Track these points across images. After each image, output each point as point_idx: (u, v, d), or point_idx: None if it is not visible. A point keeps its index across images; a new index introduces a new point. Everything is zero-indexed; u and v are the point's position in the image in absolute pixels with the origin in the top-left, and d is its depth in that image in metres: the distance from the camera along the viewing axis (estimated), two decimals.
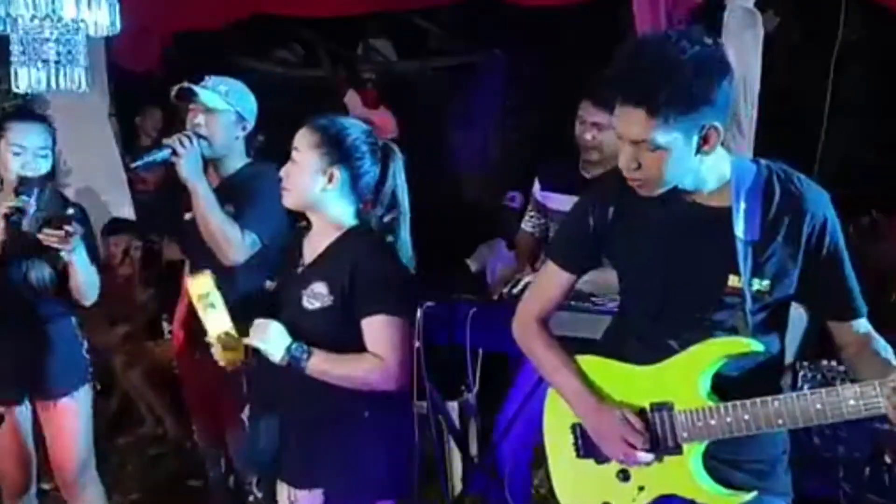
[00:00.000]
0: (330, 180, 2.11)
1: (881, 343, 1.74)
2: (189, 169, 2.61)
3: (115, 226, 4.97)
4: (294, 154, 2.13)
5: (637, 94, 1.61)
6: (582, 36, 5.17)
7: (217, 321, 2.11)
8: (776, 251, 1.69)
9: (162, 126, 5.60)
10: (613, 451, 1.79)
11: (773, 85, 3.19)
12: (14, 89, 2.73)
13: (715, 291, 1.71)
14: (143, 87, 5.51)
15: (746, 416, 1.66)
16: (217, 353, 2.13)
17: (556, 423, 1.93)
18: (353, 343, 2.06)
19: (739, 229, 1.68)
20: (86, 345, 2.83)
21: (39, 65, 2.60)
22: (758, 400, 1.65)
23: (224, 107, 2.71)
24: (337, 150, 2.11)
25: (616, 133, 1.69)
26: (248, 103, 2.79)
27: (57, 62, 2.63)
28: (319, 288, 2.07)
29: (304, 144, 2.12)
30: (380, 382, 2.06)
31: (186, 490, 3.87)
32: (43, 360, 2.73)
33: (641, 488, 1.80)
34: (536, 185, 3.28)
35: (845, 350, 1.80)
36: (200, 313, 2.12)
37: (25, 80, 2.62)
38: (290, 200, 2.16)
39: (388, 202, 2.17)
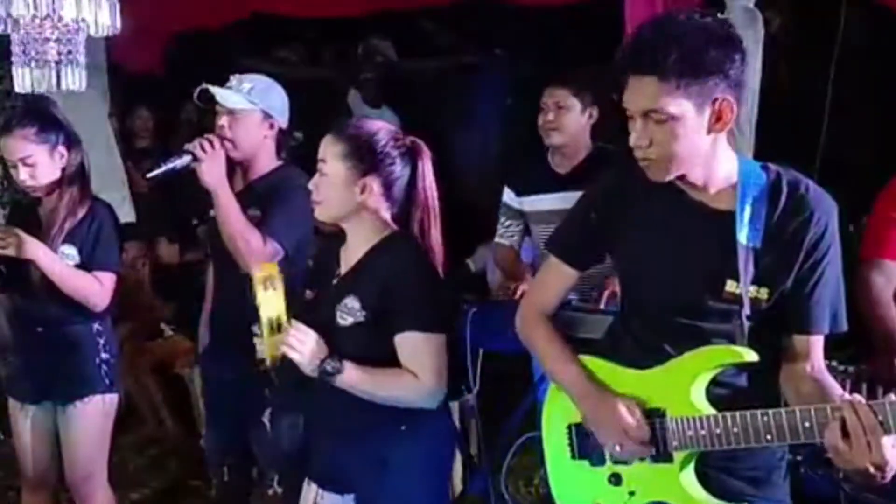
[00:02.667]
0: (363, 191, 2.03)
1: (832, 382, 1.71)
2: (210, 174, 2.54)
3: (126, 232, 4.97)
4: (321, 166, 2.05)
5: (647, 61, 1.58)
6: (582, 36, 5.16)
7: (273, 304, 1.99)
8: (776, 258, 1.66)
9: (152, 126, 5.61)
10: (608, 439, 1.76)
11: (773, 85, 3.18)
12: (15, 90, 2.72)
13: (713, 296, 1.68)
14: (144, 88, 5.51)
15: (736, 429, 1.62)
16: (263, 343, 2.00)
17: (554, 422, 1.92)
18: (387, 358, 2.00)
19: (742, 234, 1.65)
20: (105, 354, 2.79)
21: (40, 65, 2.60)
22: (748, 413, 1.61)
23: (246, 106, 2.63)
24: (368, 160, 2.03)
25: (628, 112, 1.65)
26: (276, 101, 2.71)
27: (57, 62, 2.62)
28: (352, 302, 2.01)
29: (332, 155, 2.04)
30: (416, 401, 2.01)
31: (187, 490, 3.87)
32: (54, 363, 2.74)
33: (632, 493, 1.78)
34: (508, 194, 3.28)
35: (790, 371, 1.73)
36: (258, 294, 1.99)
37: (26, 80, 2.62)
38: (322, 214, 2.09)
39: (421, 202, 2.10)
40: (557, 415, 1.91)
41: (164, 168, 2.58)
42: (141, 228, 4.96)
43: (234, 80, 2.68)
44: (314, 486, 2.16)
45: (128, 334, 4.70)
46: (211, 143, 2.56)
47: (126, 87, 5.35)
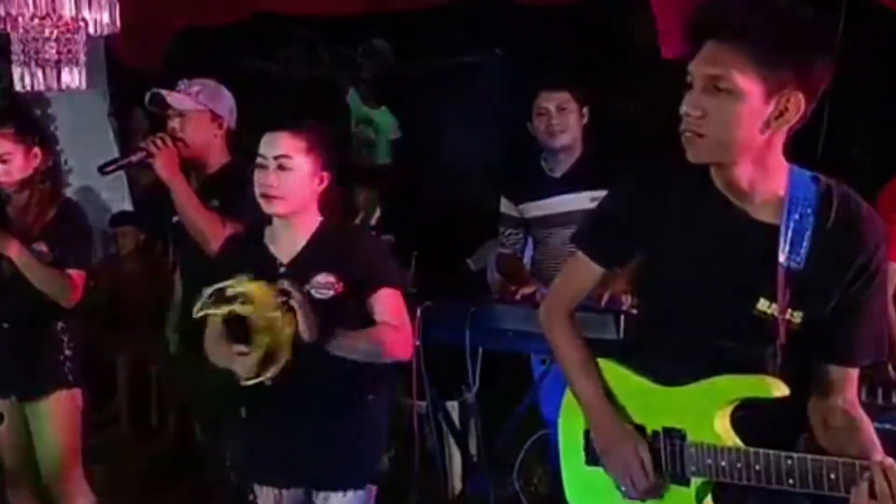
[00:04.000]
0: (320, 182, 2.19)
1: (865, 419, 1.60)
2: (165, 168, 2.69)
3: (121, 217, 5.02)
4: (284, 161, 2.14)
5: (728, 27, 1.45)
6: (582, 36, 5.16)
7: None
8: (818, 282, 1.53)
9: (148, 125, 5.61)
10: (614, 475, 1.72)
11: None
12: (15, 88, 2.74)
13: (741, 313, 1.57)
14: (142, 87, 5.50)
15: (758, 467, 1.53)
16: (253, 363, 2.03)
17: (571, 424, 1.85)
18: (361, 323, 2.17)
19: (783, 253, 1.52)
20: (68, 351, 2.81)
21: (39, 64, 2.60)
22: (771, 452, 1.52)
23: (195, 108, 2.78)
24: (326, 153, 2.20)
25: (689, 78, 1.50)
26: (223, 102, 2.86)
27: (57, 61, 2.63)
28: (326, 278, 2.14)
29: (296, 150, 2.15)
30: (399, 350, 2.20)
31: (186, 488, 3.87)
32: (19, 360, 2.77)
33: None
34: (506, 204, 3.29)
35: (822, 404, 1.62)
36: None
37: (25, 79, 2.63)
38: (283, 208, 2.17)
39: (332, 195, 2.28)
40: (574, 418, 1.83)
41: (119, 163, 2.84)
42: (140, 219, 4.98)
43: (182, 84, 2.82)
44: (272, 490, 2.23)
45: (132, 331, 4.72)
46: (163, 139, 2.73)
47: (125, 86, 5.35)
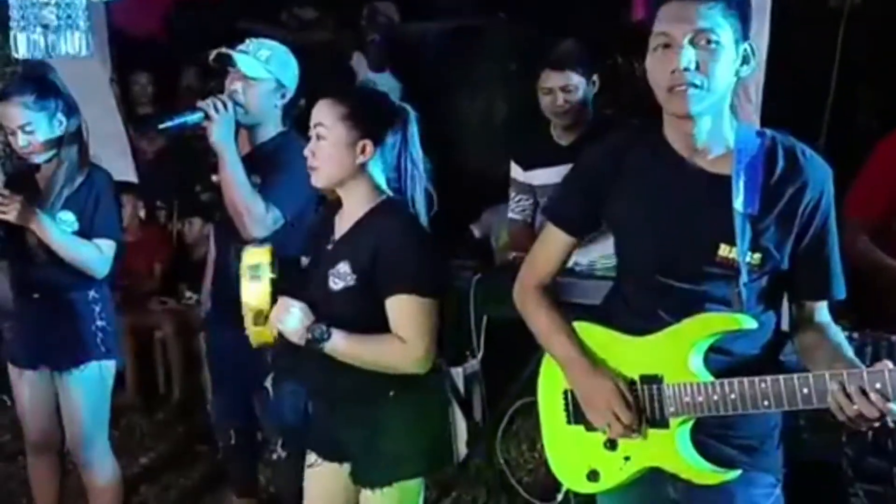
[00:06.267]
0: (363, 152, 2.03)
1: (842, 336, 1.74)
2: (220, 134, 2.53)
3: (122, 186, 5.00)
4: (320, 130, 2.03)
5: None
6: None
7: (255, 295, 2.00)
8: (773, 224, 1.66)
9: (152, 91, 5.56)
10: (598, 420, 1.77)
11: (780, 52, 3.15)
12: (13, 55, 2.70)
13: (707, 260, 1.68)
14: (145, 53, 5.46)
15: (733, 395, 1.63)
16: (248, 328, 2.03)
17: (550, 388, 1.91)
18: (379, 325, 2.00)
19: (738, 201, 1.65)
20: (100, 322, 2.78)
21: (39, 30, 2.57)
22: (745, 379, 1.62)
23: (263, 75, 2.61)
24: (367, 121, 2.04)
25: (666, 40, 1.62)
26: (290, 70, 2.68)
27: (57, 27, 2.60)
28: (343, 267, 2.02)
29: (332, 117, 2.03)
30: (404, 366, 2.01)
31: (194, 455, 3.91)
32: (50, 330, 2.75)
33: (627, 458, 1.78)
34: (515, 169, 3.27)
35: (804, 331, 1.77)
36: (243, 283, 2.03)
37: (24, 45, 2.60)
38: (320, 180, 2.07)
39: (410, 168, 2.09)
40: (554, 380, 1.90)
41: (176, 121, 2.58)
42: (140, 188, 4.97)
43: (251, 45, 2.63)
44: (313, 455, 2.18)
45: (124, 298, 4.73)
46: (224, 104, 2.55)
47: (128, 52, 5.31)
